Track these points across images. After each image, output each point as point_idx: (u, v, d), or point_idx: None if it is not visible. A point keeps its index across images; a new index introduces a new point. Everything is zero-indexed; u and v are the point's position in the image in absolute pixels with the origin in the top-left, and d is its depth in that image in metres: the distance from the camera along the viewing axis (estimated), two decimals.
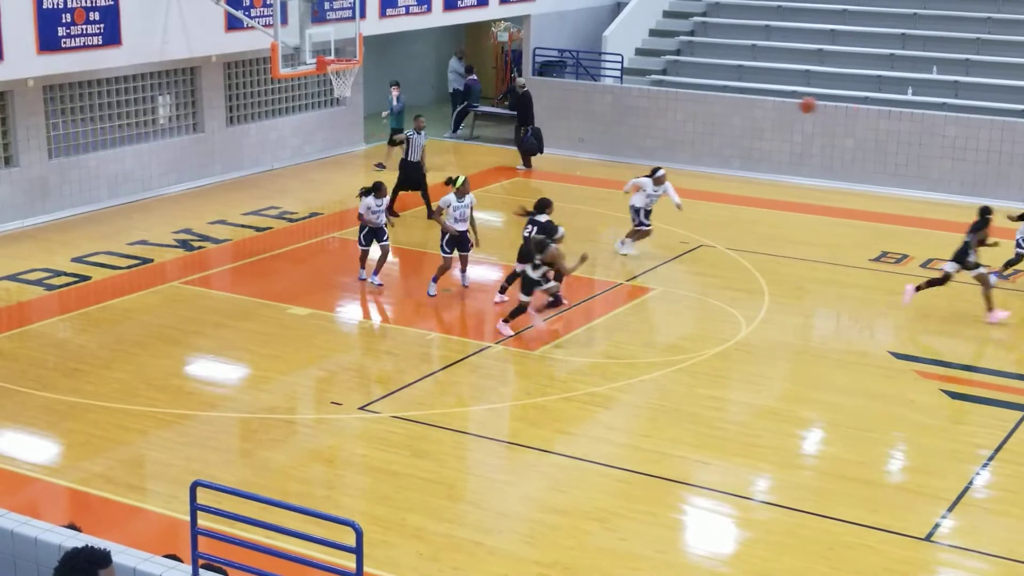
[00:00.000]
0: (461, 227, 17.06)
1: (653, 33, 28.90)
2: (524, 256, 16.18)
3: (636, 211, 19.47)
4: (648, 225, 19.52)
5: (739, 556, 11.02)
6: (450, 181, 17.43)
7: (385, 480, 12.10)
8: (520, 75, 28.70)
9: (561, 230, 16.64)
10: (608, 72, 27.66)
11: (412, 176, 21.40)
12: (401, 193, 21.23)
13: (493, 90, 31.97)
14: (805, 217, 22.49)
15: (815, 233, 21.34)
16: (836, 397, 14.39)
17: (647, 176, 19.60)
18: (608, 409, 14.07)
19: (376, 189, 17.17)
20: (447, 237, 17.10)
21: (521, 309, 15.89)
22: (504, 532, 11.19)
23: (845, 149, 24.54)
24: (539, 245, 15.64)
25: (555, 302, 16.14)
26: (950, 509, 11.70)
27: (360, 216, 17.32)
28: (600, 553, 10.82)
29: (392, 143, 23.44)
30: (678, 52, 28.13)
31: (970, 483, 12.27)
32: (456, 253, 17.32)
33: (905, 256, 19.85)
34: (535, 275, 15.65)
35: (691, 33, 28.45)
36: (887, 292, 18.11)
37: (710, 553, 11.09)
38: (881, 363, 15.40)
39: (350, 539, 7.73)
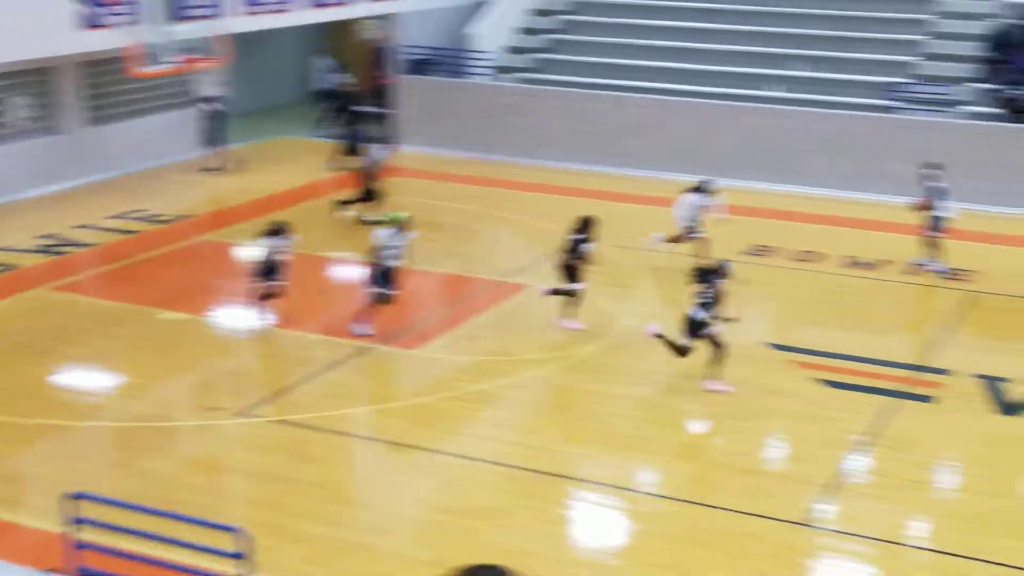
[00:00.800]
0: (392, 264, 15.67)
1: (523, 31, 29.05)
2: None
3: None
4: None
5: (628, 548, 11.18)
6: (387, 220, 16.17)
7: (270, 485, 12.00)
8: (386, 74, 28.56)
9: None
10: (480, 70, 27.74)
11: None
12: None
13: (361, 88, 31.71)
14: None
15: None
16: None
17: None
18: (494, 407, 14.13)
19: (278, 231, 15.90)
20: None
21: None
22: (394, 533, 11.19)
23: (719, 146, 24.95)
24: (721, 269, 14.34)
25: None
26: (826, 494, 12.00)
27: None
28: (490, 551, 10.82)
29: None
30: (548, 50, 28.33)
31: (844, 468, 12.61)
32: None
33: (774, 248, 20.31)
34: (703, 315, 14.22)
35: (561, 31, 28.67)
36: (762, 284, 18.49)
37: (599, 547, 11.23)
38: (759, 354, 15.73)
39: (238, 546, 7.66)
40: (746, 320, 17.25)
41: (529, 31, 29.01)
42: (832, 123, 24.24)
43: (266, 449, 12.80)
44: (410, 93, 27.41)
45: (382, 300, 15.64)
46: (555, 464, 12.59)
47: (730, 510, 11.66)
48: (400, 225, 15.89)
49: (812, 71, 25.77)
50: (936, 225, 18.85)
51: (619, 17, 28.32)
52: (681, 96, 25.83)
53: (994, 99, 24.08)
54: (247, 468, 12.56)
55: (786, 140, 24.51)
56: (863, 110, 24.50)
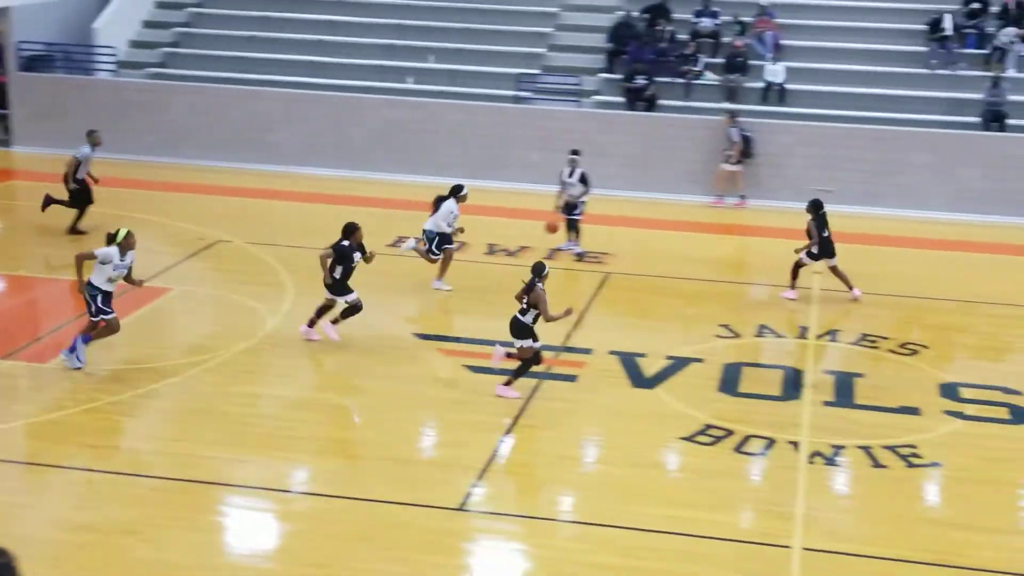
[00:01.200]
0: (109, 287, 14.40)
1: (148, 25, 28.16)
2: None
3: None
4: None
5: (283, 550, 11.00)
6: (112, 237, 14.35)
7: None
8: (4, 71, 27.07)
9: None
10: (103, 66, 26.67)
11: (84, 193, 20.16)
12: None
13: None
14: (319, 207, 22.71)
15: (329, 223, 21.58)
16: (366, 382, 14.70)
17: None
18: (134, 417, 13.59)
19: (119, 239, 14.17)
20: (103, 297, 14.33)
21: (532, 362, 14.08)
22: (30, 559, 10.52)
23: (354, 138, 25.04)
24: (528, 286, 13.91)
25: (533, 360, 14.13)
26: (479, 476, 12.25)
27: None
28: (137, 566, 10.45)
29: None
30: (175, 44, 27.58)
31: (495, 450, 12.89)
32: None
33: (419, 239, 20.53)
34: (526, 319, 13.90)
35: (187, 24, 27.98)
36: (405, 276, 18.67)
37: (253, 551, 11.00)
38: (406, 344, 15.87)
39: None
40: (393, 312, 17.43)
41: (155, 24, 28.14)
42: (463, 113, 24.75)
43: None
44: (25, 91, 26.00)
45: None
46: (202, 471, 12.22)
47: (384, 501, 11.68)
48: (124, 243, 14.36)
49: (442, 63, 26.18)
50: (573, 210, 19.59)
51: (248, 10, 27.91)
52: (314, 89, 25.72)
53: (618, 88, 25.22)
54: None
55: (418, 131, 24.84)
56: (494, 101, 25.11)
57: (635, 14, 26.10)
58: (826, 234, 17.75)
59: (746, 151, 23.67)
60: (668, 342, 16.18)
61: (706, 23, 25.91)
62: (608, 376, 15.02)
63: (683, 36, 25.77)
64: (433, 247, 18.03)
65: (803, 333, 16.77)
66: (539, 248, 20.13)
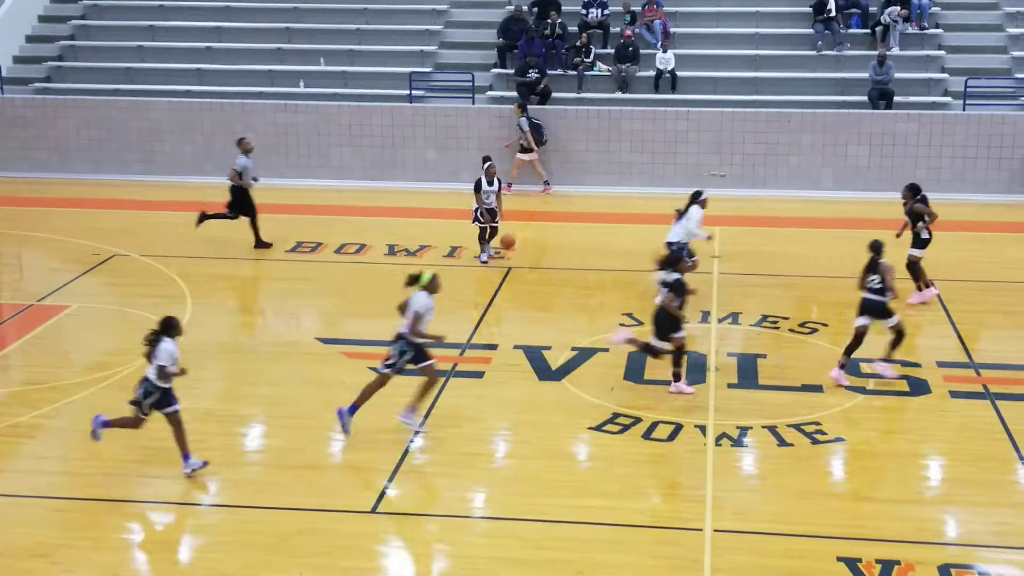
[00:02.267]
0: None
1: (30, 39, 27.63)
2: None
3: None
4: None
5: (194, 564, 10.91)
6: (414, 280, 13.48)
7: None
8: None
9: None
10: None
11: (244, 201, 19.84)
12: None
13: None
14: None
15: (228, 230, 21.40)
16: (273, 389, 14.61)
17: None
18: (35, 438, 13.34)
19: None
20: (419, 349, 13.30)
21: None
22: None
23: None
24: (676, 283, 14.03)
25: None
26: (390, 478, 12.24)
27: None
28: None
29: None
30: (60, 57, 27.10)
31: (406, 451, 12.89)
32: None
33: (320, 244, 20.44)
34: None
35: (71, 37, 27.51)
36: (307, 281, 18.59)
37: (166, 568, 10.90)
38: (310, 350, 15.79)
39: None
40: (296, 318, 17.32)
41: (38, 39, 27.61)
42: (356, 115, 24.65)
43: None
44: None
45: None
46: (110, 489, 12.09)
47: (297, 509, 11.64)
48: (431, 285, 13.56)
49: (333, 66, 26.06)
50: (494, 217, 19.49)
51: (134, 19, 27.54)
52: (205, 97, 25.43)
53: (511, 83, 25.28)
54: None
55: (312, 135, 24.71)
56: (388, 101, 25.05)
57: (524, 8, 26.17)
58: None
59: (537, 139, 23.90)
60: (572, 333, 16.28)
61: (595, 14, 26.07)
62: (514, 371, 15.08)
63: (573, 28, 25.90)
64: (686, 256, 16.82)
65: (705, 317, 16.95)
66: (439, 247, 20.14)
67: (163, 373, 11.89)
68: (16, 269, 19.52)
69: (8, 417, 13.72)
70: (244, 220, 19.88)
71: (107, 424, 12.35)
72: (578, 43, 25.44)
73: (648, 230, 21.47)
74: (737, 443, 13.06)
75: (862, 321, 14.72)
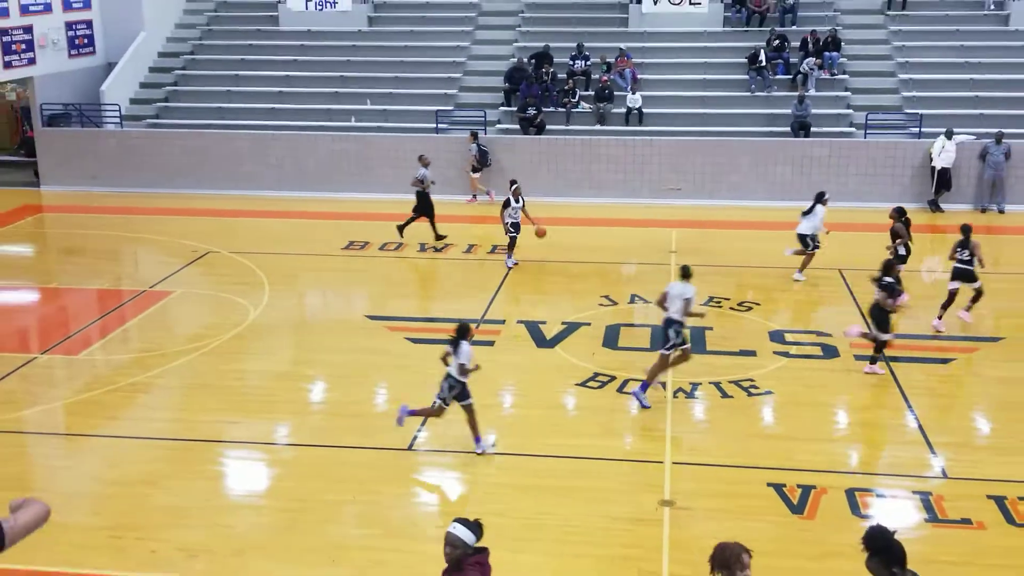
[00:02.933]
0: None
1: (143, 86, 27.57)
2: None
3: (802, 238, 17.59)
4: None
5: (271, 490, 10.94)
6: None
7: None
8: (27, 127, 26.35)
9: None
10: (110, 119, 26.13)
11: (425, 204, 19.96)
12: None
13: (7, 141, 29.27)
14: (284, 221, 22.47)
15: (298, 233, 21.43)
16: (330, 355, 14.59)
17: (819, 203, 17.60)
18: (148, 393, 13.36)
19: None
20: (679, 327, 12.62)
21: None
22: (74, 509, 10.37)
23: (309, 166, 24.78)
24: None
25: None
26: (423, 424, 12.23)
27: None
28: (157, 511, 10.35)
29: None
30: (166, 100, 27.06)
31: (434, 402, 12.85)
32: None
33: (367, 243, 20.43)
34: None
35: (175, 84, 27.45)
36: (356, 271, 18.58)
37: (248, 492, 10.93)
38: (359, 325, 15.79)
39: None
40: (348, 300, 17.33)
41: (150, 85, 27.55)
42: (394, 143, 24.57)
43: None
44: (49, 143, 25.40)
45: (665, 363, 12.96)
46: (204, 432, 12.12)
47: (349, 447, 11.67)
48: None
49: (377, 105, 25.98)
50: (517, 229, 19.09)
51: (222, 70, 27.46)
52: (276, 130, 25.38)
53: (515, 118, 25.22)
54: None
55: (360, 159, 24.63)
56: (419, 132, 24.99)
57: (525, 60, 26.09)
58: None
59: (482, 161, 23.73)
60: (563, 311, 16.27)
61: (579, 64, 25.97)
62: (518, 340, 15.09)
63: (562, 75, 25.81)
64: (811, 246, 17.48)
65: None
66: (459, 245, 20.11)
67: (464, 370, 11.24)
68: (133, 263, 19.52)
69: (128, 376, 13.76)
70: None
71: (412, 413, 11.69)
72: (566, 87, 25.36)
73: (620, 231, 21.49)
74: (690, 395, 13.07)
75: (954, 284, 14.83)
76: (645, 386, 12.37)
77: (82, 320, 16.26)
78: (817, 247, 17.62)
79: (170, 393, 13.46)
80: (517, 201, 18.24)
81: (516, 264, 18.42)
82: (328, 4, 27.25)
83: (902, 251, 15.91)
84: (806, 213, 17.69)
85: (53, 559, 9.38)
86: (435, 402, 11.43)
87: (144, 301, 17.03)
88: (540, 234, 18.46)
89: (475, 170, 23.80)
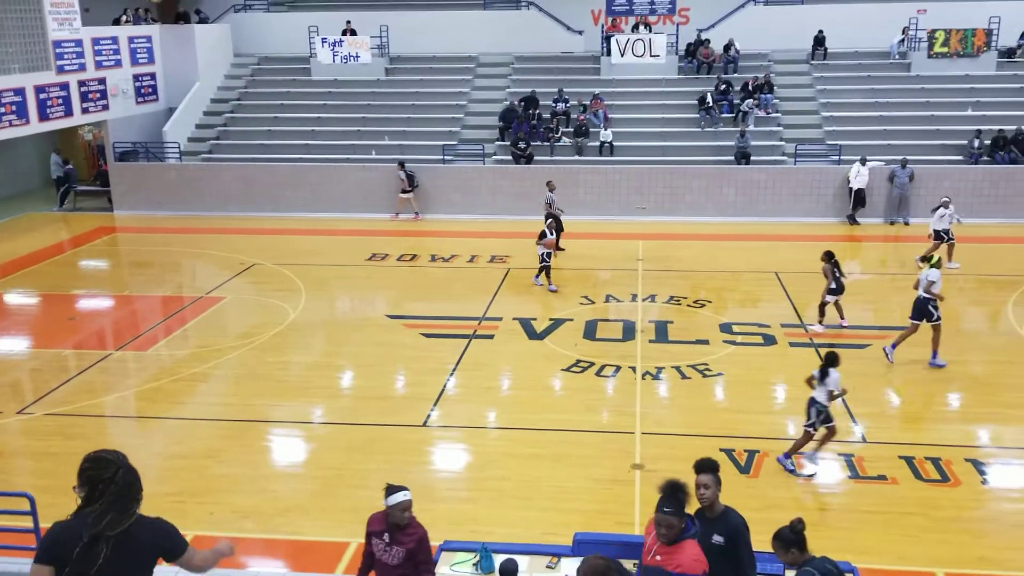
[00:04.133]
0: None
1: (199, 126, 27.46)
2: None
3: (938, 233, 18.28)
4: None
5: (309, 460, 10.87)
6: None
7: (46, 460, 10.74)
8: (102, 162, 26.18)
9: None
10: (171, 155, 26.03)
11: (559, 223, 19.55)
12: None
13: (85, 174, 29.15)
14: (318, 238, 22.37)
15: (328, 247, 21.34)
16: (357, 348, 14.51)
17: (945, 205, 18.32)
18: (206, 382, 13.28)
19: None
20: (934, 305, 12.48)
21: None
22: (142, 479, 10.27)
23: (338, 192, 24.64)
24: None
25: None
26: (435, 404, 12.21)
27: None
28: (216, 479, 10.28)
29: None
30: (218, 137, 26.95)
31: (444, 386, 12.87)
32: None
33: (387, 255, 20.35)
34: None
35: (225, 124, 27.35)
36: (378, 279, 18.51)
37: (290, 462, 10.86)
38: (381, 323, 15.72)
39: (26, 507, 6.77)
40: (371, 302, 17.25)
41: (204, 126, 27.43)
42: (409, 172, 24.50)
43: (40, 435, 11.44)
44: (120, 175, 25.27)
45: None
46: (252, 413, 12.05)
47: (374, 424, 11.61)
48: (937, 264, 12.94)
49: (394, 141, 25.92)
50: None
51: (264, 112, 27.38)
52: (311, 161, 25.28)
53: (508, 151, 25.19)
54: (26, 450, 11.15)
55: (380, 185, 24.50)
56: (429, 162, 24.93)
57: (516, 103, 26.05)
58: (839, 274, 14.93)
59: (411, 184, 23.57)
60: (550, 309, 16.23)
61: (561, 106, 25.94)
62: (513, 334, 15.03)
63: (547, 115, 25.77)
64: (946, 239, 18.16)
65: (634, 298, 16.92)
66: (464, 255, 20.04)
67: (832, 396, 10.21)
68: (191, 273, 19.39)
69: (188, 368, 13.68)
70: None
71: (788, 455, 10.32)
72: (550, 125, 25.31)
73: (596, 243, 21.45)
74: (655, 377, 13.04)
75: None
76: (787, 455, 10.47)
77: (150, 322, 16.17)
78: (952, 239, 18.32)
79: (224, 382, 13.39)
80: (551, 233, 17.17)
81: (554, 290, 16.98)
82: (352, 58, 27.14)
83: (833, 286, 14.95)
84: (935, 209, 18.48)
85: None
86: (805, 431, 10.27)
87: (201, 305, 16.95)
88: (548, 245, 17.41)
89: (404, 192, 23.70)
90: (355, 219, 24.22)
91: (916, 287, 13.64)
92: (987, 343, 14.31)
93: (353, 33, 27.84)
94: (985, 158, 23.26)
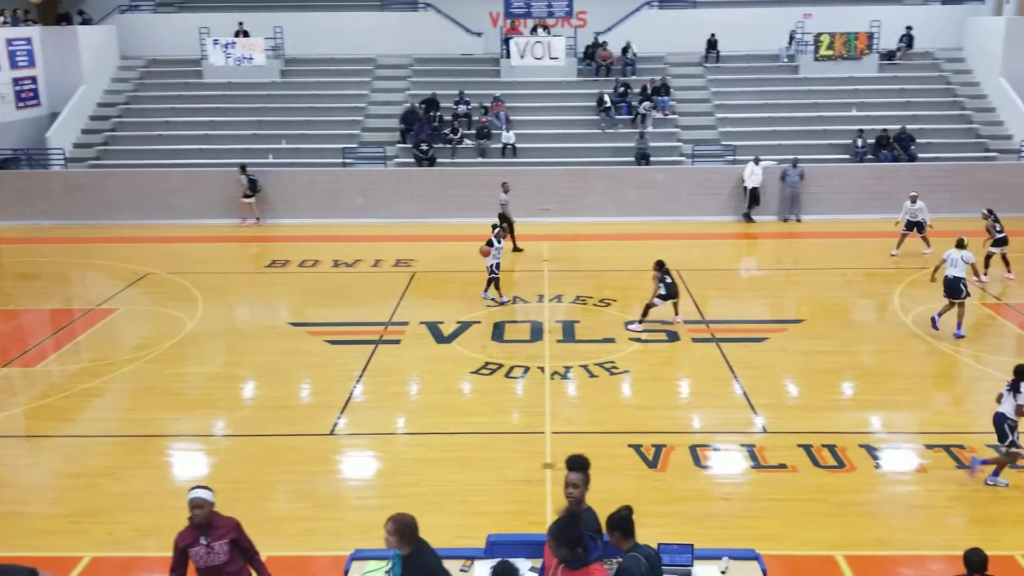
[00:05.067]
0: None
1: (84, 132, 26.33)
2: None
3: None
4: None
5: (212, 475, 10.56)
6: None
7: None
8: None
9: None
10: (55, 162, 24.89)
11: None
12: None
13: None
14: (217, 245, 21.76)
15: (225, 254, 20.81)
16: (259, 357, 14.18)
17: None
18: (100, 397, 12.75)
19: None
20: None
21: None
22: (37, 500, 9.83)
23: (234, 197, 23.97)
24: None
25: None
26: (342, 412, 12.05)
27: None
28: (113, 497, 9.89)
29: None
30: (106, 143, 25.92)
31: (351, 393, 12.71)
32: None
33: (287, 261, 19.96)
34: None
35: (113, 129, 26.33)
36: (279, 285, 18.13)
37: (192, 477, 10.51)
38: (283, 331, 15.42)
39: None
40: (272, 310, 16.88)
41: (90, 131, 26.34)
42: (308, 176, 24.11)
43: None
44: (1, 183, 24.03)
45: None
46: (151, 428, 11.65)
47: (279, 435, 11.37)
48: None
49: (292, 144, 25.46)
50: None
51: (154, 116, 26.48)
52: (204, 167, 24.59)
53: (410, 153, 25.06)
54: None
55: (279, 190, 24.01)
56: (329, 166, 24.58)
57: (417, 105, 25.94)
58: (669, 280, 15.15)
59: (253, 189, 23.38)
60: (457, 312, 16.22)
61: (462, 108, 25.96)
62: (420, 338, 14.96)
63: (448, 117, 25.76)
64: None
65: (540, 298, 17.06)
66: (368, 260, 19.84)
67: (1021, 410, 9.83)
68: (81, 285, 18.58)
69: (81, 383, 13.12)
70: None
71: (985, 462, 10.12)
72: (452, 127, 25.33)
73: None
74: (564, 377, 13.18)
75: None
76: (996, 474, 10.09)
77: (37, 336, 15.44)
78: (922, 231, 19.62)
79: (119, 396, 12.88)
80: (499, 243, 16.62)
81: (506, 302, 16.43)
82: (245, 60, 26.55)
83: (663, 291, 15.05)
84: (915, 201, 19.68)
85: (14, 545, 8.88)
86: (1010, 451, 9.87)
87: (92, 318, 16.27)
88: (484, 254, 16.80)
89: (246, 196, 23.42)
90: (250, 225, 23.67)
91: (932, 277, 15.20)
92: (876, 334, 15.00)
93: (246, 35, 27.24)
94: (869, 156, 24.39)
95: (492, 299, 16.46)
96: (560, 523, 5.69)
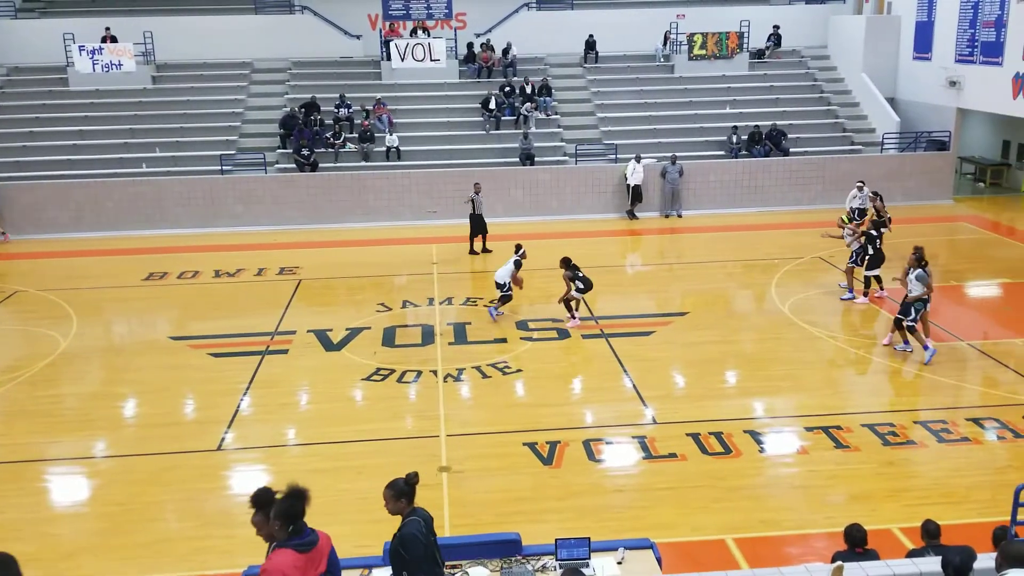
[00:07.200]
0: None
1: None
2: None
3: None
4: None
5: (93, 498, 10.12)
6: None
7: None
8: None
9: None
10: None
11: (479, 224, 20.36)
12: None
13: None
14: (90, 259, 20.83)
15: (99, 268, 19.90)
16: (139, 374, 13.65)
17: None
18: None
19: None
20: None
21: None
22: None
23: (108, 208, 23.05)
24: None
25: None
26: (229, 426, 11.75)
27: None
28: None
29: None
30: None
31: (238, 406, 12.40)
32: None
33: (166, 273, 19.29)
34: None
35: None
36: (157, 299, 17.51)
37: (72, 502, 10.06)
38: (164, 345, 14.90)
39: None
40: (152, 323, 16.26)
41: None
42: (184, 185, 23.36)
43: None
44: None
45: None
46: (25, 453, 11.07)
47: (163, 453, 10.99)
48: None
49: (166, 152, 24.59)
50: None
51: (18, 128, 25.11)
52: (76, 177, 23.49)
53: (291, 159, 24.59)
54: None
55: (154, 200, 23.21)
56: (207, 174, 23.87)
57: (296, 109, 25.48)
58: (581, 274, 15.31)
59: None
60: (346, 319, 16.03)
61: (343, 111, 25.65)
62: (308, 347, 14.73)
63: (329, 121, 25.40)
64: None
65: (431, 301, 17.04)
66: (250, 269, 19.37)
67: (931, 287, 10.03)
68: None
69: None
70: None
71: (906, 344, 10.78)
72: (334, 131, 24.98)
73: (389, 249, 21.40)
74: (457, 379, 13.21)
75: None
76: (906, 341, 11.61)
77: None
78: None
79: None
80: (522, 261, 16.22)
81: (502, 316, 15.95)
82: (114, 66, 25.49)
83: (581, 286, 15.34)
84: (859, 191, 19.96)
85: None
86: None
87: None
88: (517, 281, 16.39)
89: None
90: (128, 236, 22.79)
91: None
92: (755, 323, 15.63)
93: (114, 40, 26.18)
94: (744, 152, 25.40)
95: (501, 314, 15.99)
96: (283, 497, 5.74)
